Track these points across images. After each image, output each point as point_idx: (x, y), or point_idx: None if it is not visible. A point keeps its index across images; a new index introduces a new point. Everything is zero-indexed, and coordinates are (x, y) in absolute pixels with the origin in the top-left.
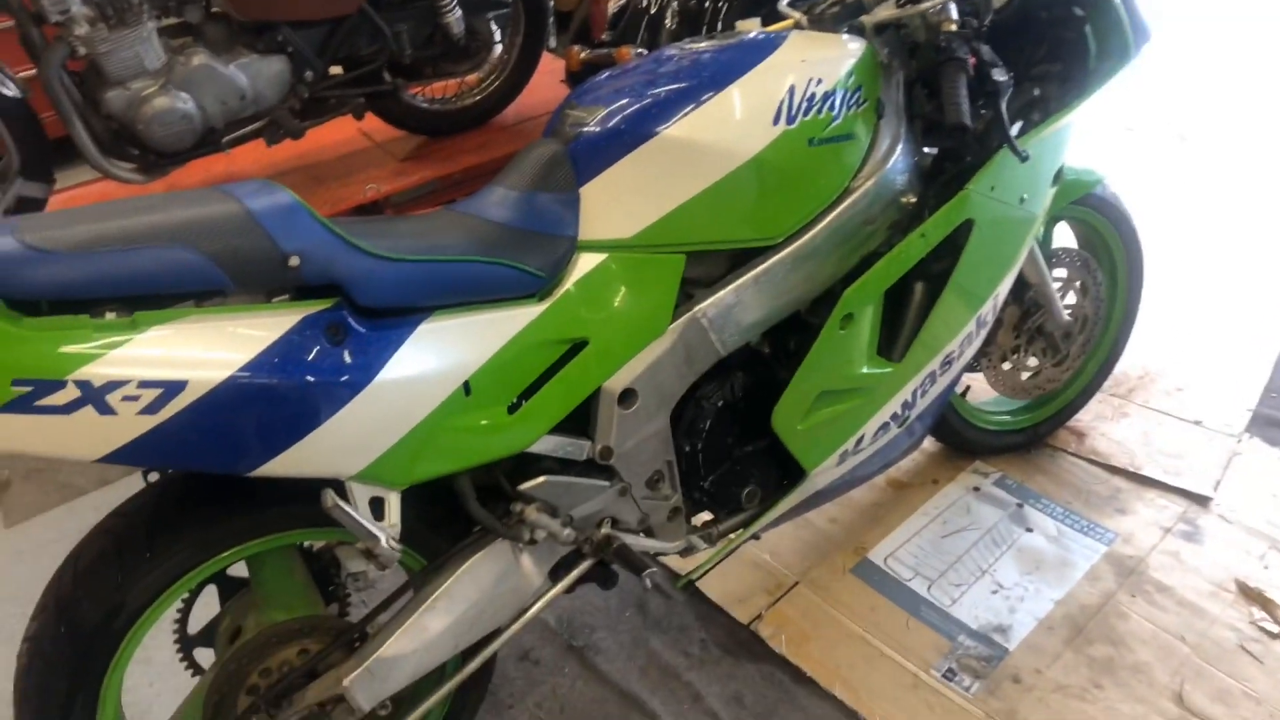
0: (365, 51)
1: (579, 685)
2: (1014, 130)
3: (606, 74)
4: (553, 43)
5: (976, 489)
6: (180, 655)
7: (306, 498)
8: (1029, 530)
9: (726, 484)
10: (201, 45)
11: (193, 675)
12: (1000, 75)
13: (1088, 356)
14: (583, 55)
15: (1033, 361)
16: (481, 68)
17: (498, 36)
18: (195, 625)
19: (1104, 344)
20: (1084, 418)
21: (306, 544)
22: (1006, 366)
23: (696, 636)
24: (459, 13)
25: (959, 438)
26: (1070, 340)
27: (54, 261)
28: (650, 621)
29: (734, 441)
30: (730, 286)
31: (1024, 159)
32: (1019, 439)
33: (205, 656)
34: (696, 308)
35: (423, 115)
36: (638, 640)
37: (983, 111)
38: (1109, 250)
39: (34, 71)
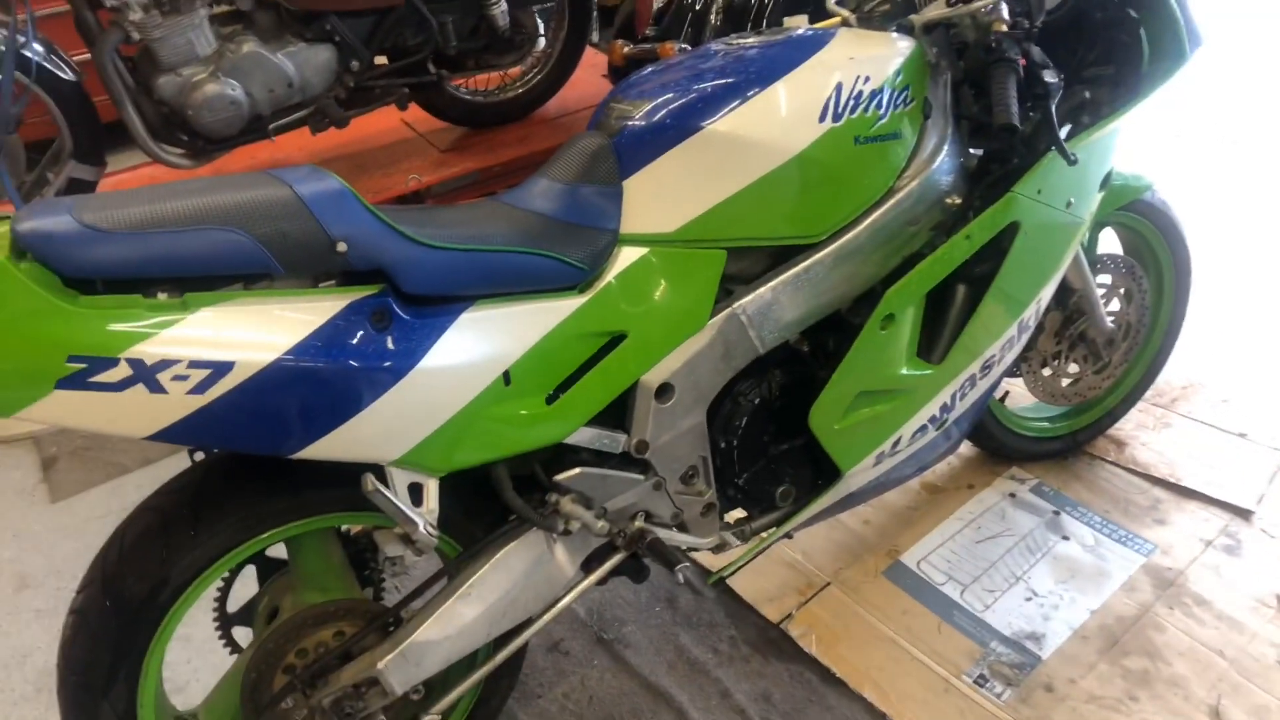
0: (411, 42)
1: (607, 678)
2: (1063, 133)
3: (652, 68)
4: (596, 37)
5: (1012, 495)
6: (219, 633)
7: (347, 481)
8: (1065, 538)
9: (761, 482)
10: (251, 33)
11: (231, 653)
12: (1051, 77)
13: (1130, 364)
14: (626, 50)
15: (1074, 368)
16: (525, 61)
17: (542, 30)
18: (234, 604)
19: (1147, 352)
20: (1125, 426)
21: (344, 528)
22: (1047, 372)
23: (726, 634)
24: (504, 5)
25: (996, 443)
26: (1113, 348)
27: (109, 241)
28: (680, 617)
29: (770, 439)
30: (770, 284)
31: (1072, 162)
32: (1057, 446)
33: (243, 635)
34: (736, 304)
35: (466, 107)
36: (667, 635)
37: (1031, 114)
38: (1156, 257)
39: (88, 55)
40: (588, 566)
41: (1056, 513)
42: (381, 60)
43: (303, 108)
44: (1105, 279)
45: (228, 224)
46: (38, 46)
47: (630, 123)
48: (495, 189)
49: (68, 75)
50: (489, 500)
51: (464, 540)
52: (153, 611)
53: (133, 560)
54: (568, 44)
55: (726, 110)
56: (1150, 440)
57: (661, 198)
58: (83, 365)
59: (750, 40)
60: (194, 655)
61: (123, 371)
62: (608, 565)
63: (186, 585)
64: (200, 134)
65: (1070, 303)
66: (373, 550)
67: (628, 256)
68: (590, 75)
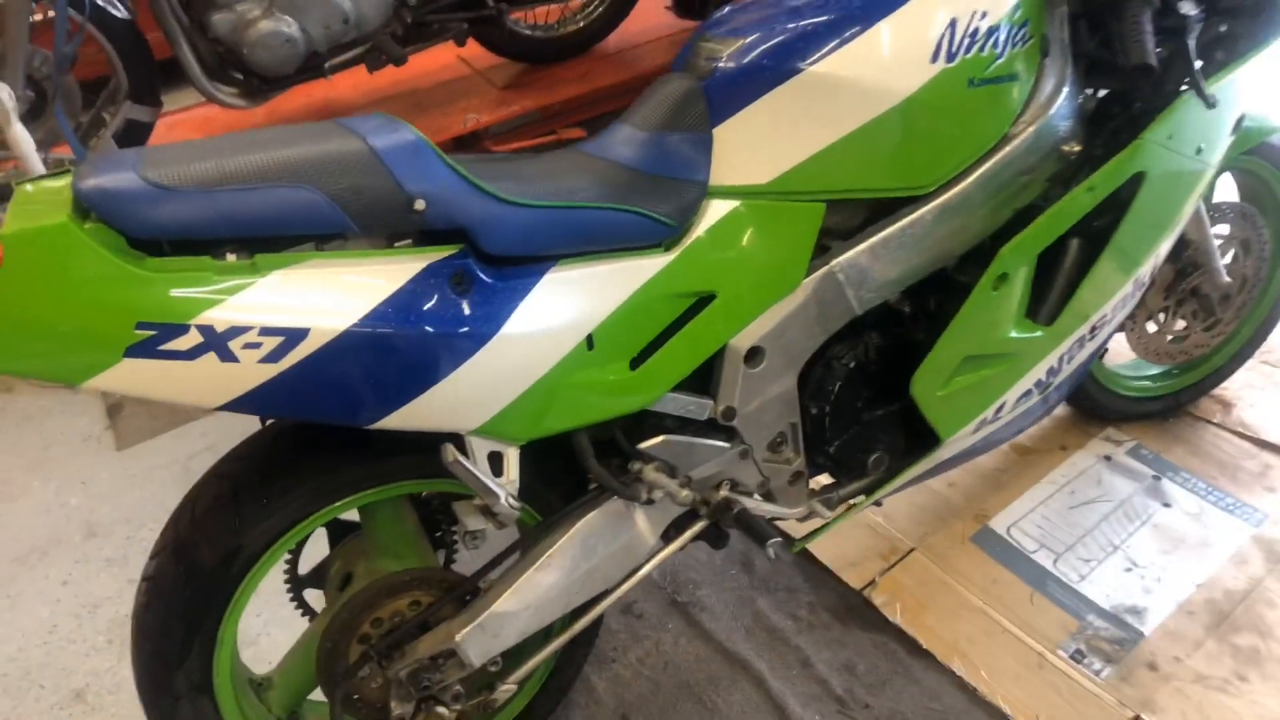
0: None
1: (682, 642)
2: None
3: (736, 4)
4: None
5: (1108, 458)
6: (291, 597)
7: (422, 448)
8: (1167, 505)
9: (852, 449)
10: None
11: (302, 615)
12: (1190, 9)
13: (1243, 320)
14: None
15: (1181, 324)
16: None
17: None
18: (304, 566)
19: (1262, 307)
20: (1232, 386)
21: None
22: (1152, 328)
23: (805, 599)
24: None
25: (1092, 402)
26: (1226, 303)
27: (176, 199)
28: (756, 581)
29: (863, 405)
30: (871, 240)
31: (1212, 105)
32: (1157, 406)
33: (314, 598)
34: (833, 262)
35: (524, 42)
36: (743, 600)
37: (1158, 50)
38: (1278, 203)
39: None
40: (667, 535)
41: (1157, 477)
42: None
43: (359, 45)
44: (1223, 229)
45: (299, 180)
46: None
47: (722, 64)
48: (555, 128)
49: (121, 13)
50: (568, 468)
51: (543, 509)
52: (226, 580)
53: (205, 528)
54: None
55: (829, 50)
56: (1259, 401)
57: (756, 146)
58: (152, 332)
59: None
60: (263, 608)
61: (193, 339)
62: (688, 533)
63: (260, 554)
64: (255, 72)
65: (1184, 256)
66: (444, 514)
67: (718, 210)
68: (653, 6)
